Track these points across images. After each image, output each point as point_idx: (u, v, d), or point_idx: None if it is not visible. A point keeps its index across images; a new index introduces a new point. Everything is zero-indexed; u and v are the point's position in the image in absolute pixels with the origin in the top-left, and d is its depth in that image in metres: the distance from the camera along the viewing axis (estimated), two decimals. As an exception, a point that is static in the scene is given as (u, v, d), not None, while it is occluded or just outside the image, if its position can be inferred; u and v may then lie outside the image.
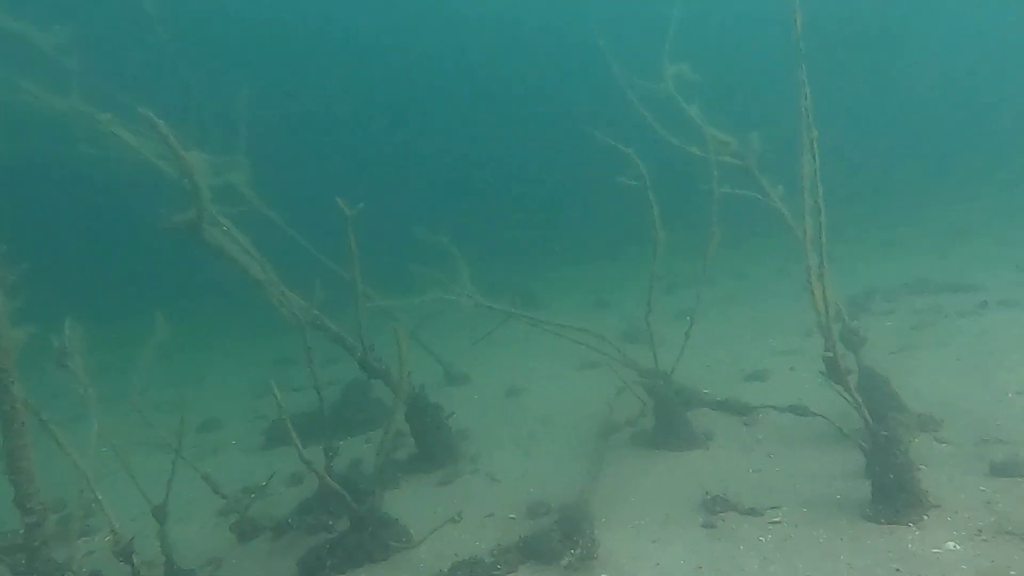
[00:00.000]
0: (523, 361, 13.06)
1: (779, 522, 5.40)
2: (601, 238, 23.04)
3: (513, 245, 24.20)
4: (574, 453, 8.18)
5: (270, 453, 10.16)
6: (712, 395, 8.10)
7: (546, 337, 14.78)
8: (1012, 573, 4.20)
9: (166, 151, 6.02)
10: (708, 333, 11.19)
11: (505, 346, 14.38)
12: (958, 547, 4.60)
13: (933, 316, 10.82)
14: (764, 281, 16.47)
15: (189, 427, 11.83)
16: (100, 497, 4.50)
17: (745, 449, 7.26)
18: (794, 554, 4.92)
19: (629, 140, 7.19)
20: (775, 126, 7.84)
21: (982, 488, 5.31)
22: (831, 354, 5.10)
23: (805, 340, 10.97)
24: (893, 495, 4.97)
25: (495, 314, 9.02)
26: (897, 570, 4.47)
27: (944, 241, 17.21)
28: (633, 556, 5.35)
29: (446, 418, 8.66)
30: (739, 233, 15.73)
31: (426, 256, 10.39)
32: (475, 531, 6.43)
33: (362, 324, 7.61)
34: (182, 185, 6.55)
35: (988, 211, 20.07)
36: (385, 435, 6.81)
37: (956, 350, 9.01)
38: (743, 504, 5.74)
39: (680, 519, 5.83)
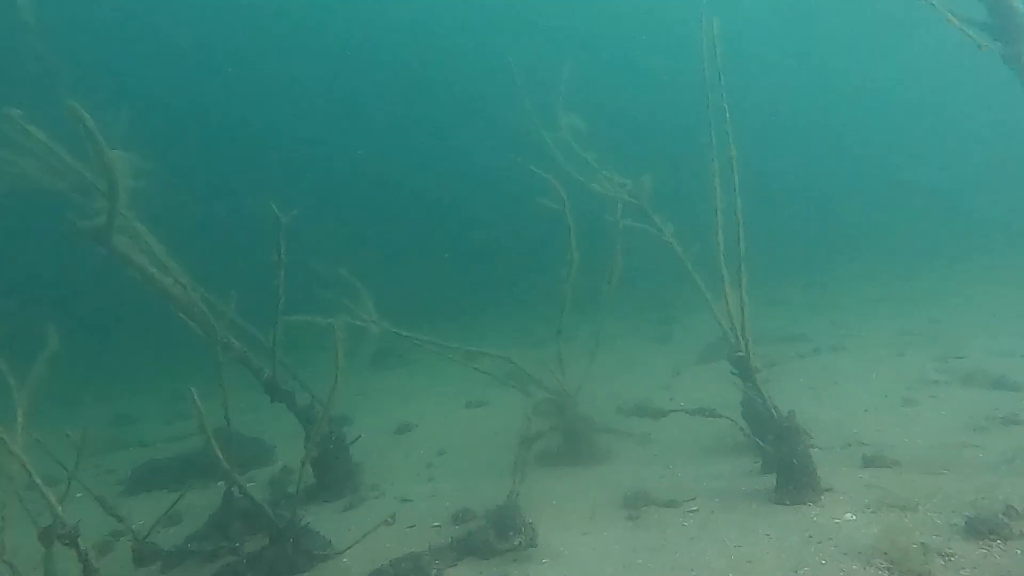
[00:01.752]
0: (408, 402, 12.90)
1: (696, 510, 5.72)
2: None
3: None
4: (478, 476, 8.15)
5: (134, 499, 9.11)
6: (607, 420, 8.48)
7: (429, 379, 14.97)
8: (899, 534, 4.75)
9: (91, 147, 5.57)
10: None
11: (388, 391, 14.16)
12: (854, 517, 5.13)
13: (779, 358, 12.06)
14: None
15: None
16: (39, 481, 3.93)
17: (646, 463, 7.61)
18: (716, 531, 5.24)
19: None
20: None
21: (860, 475, 5.97)
22: (742, 353, 5.61)
23: (675, 379, 11.86)
24: (796, 478, 5.46)
25: (403, 340, 8.91)
26: (809, 535, 4.90)
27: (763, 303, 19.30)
28: (568, 545, 5.42)
29: (349, 444, 8.34)
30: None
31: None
32: (400, 540, 6.20)
33: (277, 341, 7.24)
34: (98, 187, 6.06)
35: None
36: (307, 449, 6.46)
37: (806, 381, 10.10)
38: (660, 498, 6.01)
39: (605, 514, 6.00)
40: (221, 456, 5.83)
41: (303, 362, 8.67)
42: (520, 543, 5.23)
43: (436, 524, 6.49)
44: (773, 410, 5.67)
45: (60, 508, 3.89)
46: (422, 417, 11.60)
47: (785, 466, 5.51)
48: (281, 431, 10.21)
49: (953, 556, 4.37)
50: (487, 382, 13.67)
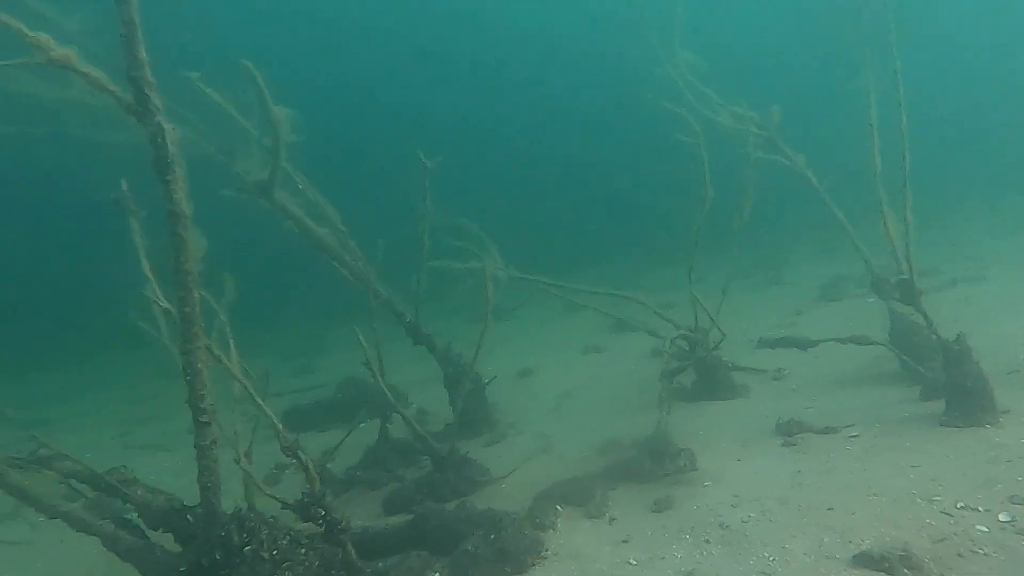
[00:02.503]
0: (523, 351, 13.08)
1: (858, 436, 5.55)
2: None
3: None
4: (609, 414, 8.22)
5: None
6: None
7: (548, 328, 15.13)
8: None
9: (259, 103, 5.82)
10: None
11: (501, 341, 14.41)
12: (1040, 440, 4.84)
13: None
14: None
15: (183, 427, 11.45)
16: (263, 404, 4.27)
17: (784, 396, 7.42)
18: (886, 455, 5.07)
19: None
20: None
21: (1038, 402, 5.60)
22: (907, 276, 5.34)
23: (797, 318, 11.47)
24: (970, 401, 5.19)
25: (530, 285, 8.99)
26: (994, 455, 4.67)
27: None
28: (725, 469, 5.39)
29: (485, 384, 8.56)
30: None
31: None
32: (551, 469, 6.35)
33: (420, 287, 7.45)
34: (263, 143, 6.34)
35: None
36: (462, 387, 6.75)
37: (949, 313, 9.52)
38: (816, 426, 5.86)
39: (758, 442, 5.91)
40: (387, 391, 6.14)
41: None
42: (684, 465, 5.24)
43: (584, 454, 6.61)
44: (938, 334, 5.38)
45: (280, 425, 4.20)
46: (541, 363, 11.74)
47: (957, 390, 5.24)
48: (406, 379, 10.58)
49: None
50: (601, 330, 13.85)
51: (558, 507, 5.09)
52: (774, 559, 3.92)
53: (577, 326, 15.10)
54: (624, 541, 4.54)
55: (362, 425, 9.10)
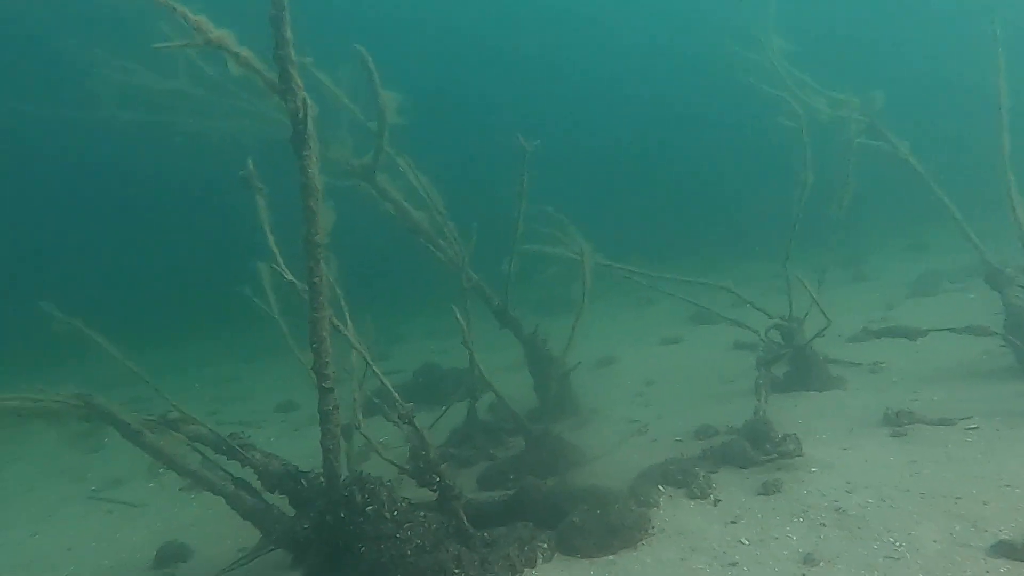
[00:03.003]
0: (602, 340, 12.98)
1: (976, 427, 5.28)
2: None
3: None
4: (694, 402, 8.08)
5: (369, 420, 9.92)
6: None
7: (622, 319, 15.01)
8: None
9: (371, 86, 5.94)
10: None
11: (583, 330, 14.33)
12: None
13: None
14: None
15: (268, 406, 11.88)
16: (378, 371, 4.41)
17: (884, 389, 7.14)
18: (1013, 447, 4.81)
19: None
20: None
21: None
22: (1034, 261, 5.04)
23: (890, 312, 11.02)
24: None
25: (615, 272, 8.90)
26: None
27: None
28: (833, 457, 5.22)
29: (570, 371, 8.54)
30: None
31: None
32: (646, 452, 6.28)
33: (511, 269, 7.48)
34: (369, 126, 6.48)
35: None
36: (552, 372, 6.77)
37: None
38: (928, 417, 5.61)
39: (863, 432, 5.71)
40: (482, 371, 6.21)
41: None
42: (792, 449, 5.10)
43: (678, 439, 6.52)
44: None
45: (396, 394, 4.31)
46: (619, 353, 11.63)
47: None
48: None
49: None
50: (676, 321, 13.65)
51: (659, 487, 5.04)
52: (900, 544, 3.77)
53: (651, 318, 14.94)
54: (732, 521, 4.45)
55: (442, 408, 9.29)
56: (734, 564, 3.93)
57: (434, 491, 4.16)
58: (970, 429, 5.27)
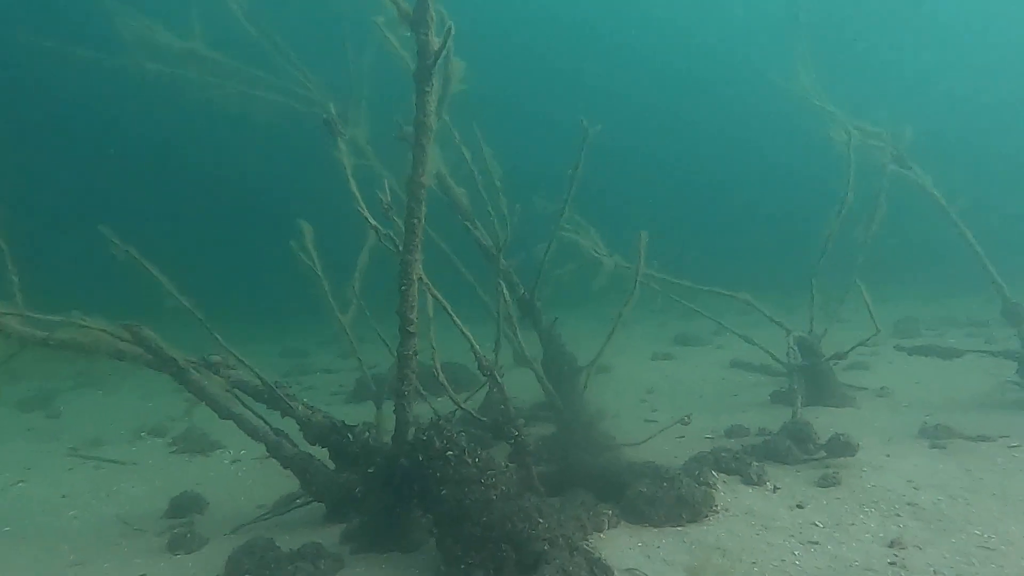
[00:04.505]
0: (591, 352, 12.81)
1: (1019, 446, 5.25)
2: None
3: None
4: (702, 410, 7.95)
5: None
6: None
7: (604, 334, 14.85)
8: None
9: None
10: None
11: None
12: None
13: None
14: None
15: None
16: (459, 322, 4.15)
17: (896, 411, 7.12)
18: (1063, 462, 4.78)
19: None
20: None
21: None
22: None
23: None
24: None
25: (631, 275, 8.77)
26: None
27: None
28: (881, 461, 5.12)
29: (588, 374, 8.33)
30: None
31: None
32: (677, 445, 6.12)
33: (547, 256, 7.26)
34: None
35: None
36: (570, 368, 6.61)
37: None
38: (967, 433, 5.57)
39: (903, 442, 5.63)
40: (523, 348, 5.98)
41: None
42: (845, 448, 4.99)
43: (708, 436, 6.37)
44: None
45: (476, 345, 4.06)
46: (611, 363, 11.48)
47: None
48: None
49: None
50: (662, 340, 13.61)
51: (713, 472, 4.85)
52: (990, 536, 3.66)
53: (634, 335, 14.84)
54: (799, 506, 4.30)
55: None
56: (815, 543, 3.76)
57: (510, 444, 3.89)
58: (1012, 448, 5.24)
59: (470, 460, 3.58)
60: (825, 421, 6.71)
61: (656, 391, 9.53)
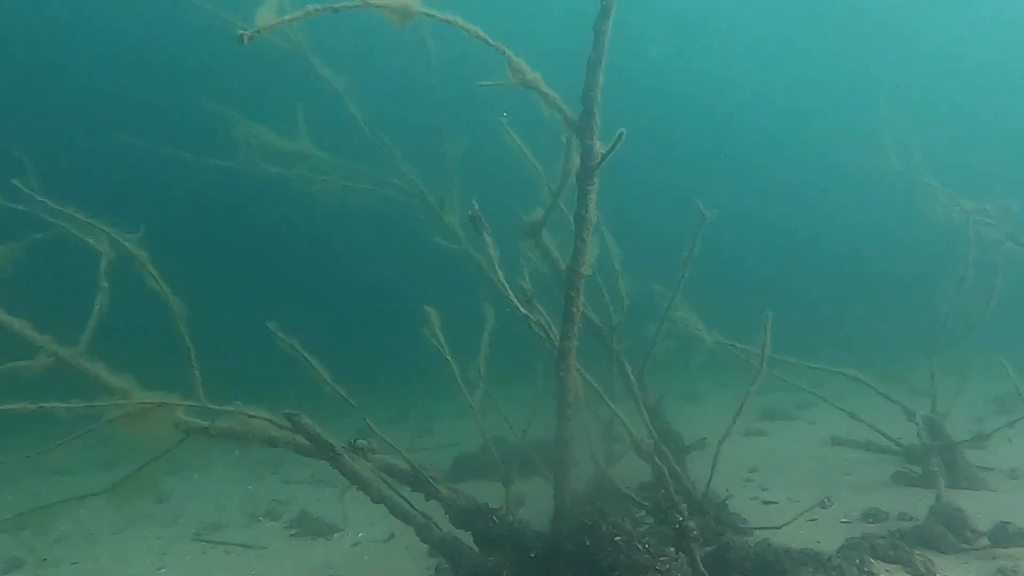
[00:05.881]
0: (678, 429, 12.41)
1: None
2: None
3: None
4: (814, 489, 7.53)
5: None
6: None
7: (678, 411, 14.31)
8: None
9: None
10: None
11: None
12: None
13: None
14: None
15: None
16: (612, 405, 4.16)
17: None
18: None
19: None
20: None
21: None
22: None
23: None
24: None
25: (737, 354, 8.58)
26: None
27: None
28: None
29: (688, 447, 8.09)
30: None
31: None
32: (811, 530, 5.78)
33: (659, 335, 7.14)
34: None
35: None
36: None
37: None
38: None
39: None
40: (651, 428, 5.88)
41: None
42: (1016, 538, 4.63)
43: (844, 520, 6.01)
44: None
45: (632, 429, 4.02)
46: (703, 441, 11.09)
47: None
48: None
49: None
50: (750, 414, 13.00)
51: (871, 559, 4.55)
52: None
53: (711, 412, 14.24)
54: (982, 600, 3.96)
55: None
56: (1014, 642, 3.43)
57: (674, 530, 3.77)
58: None
59: (641, 546, 3.48)
60: (966, 505, 6.25)
61: (760, 469, 9.08)
